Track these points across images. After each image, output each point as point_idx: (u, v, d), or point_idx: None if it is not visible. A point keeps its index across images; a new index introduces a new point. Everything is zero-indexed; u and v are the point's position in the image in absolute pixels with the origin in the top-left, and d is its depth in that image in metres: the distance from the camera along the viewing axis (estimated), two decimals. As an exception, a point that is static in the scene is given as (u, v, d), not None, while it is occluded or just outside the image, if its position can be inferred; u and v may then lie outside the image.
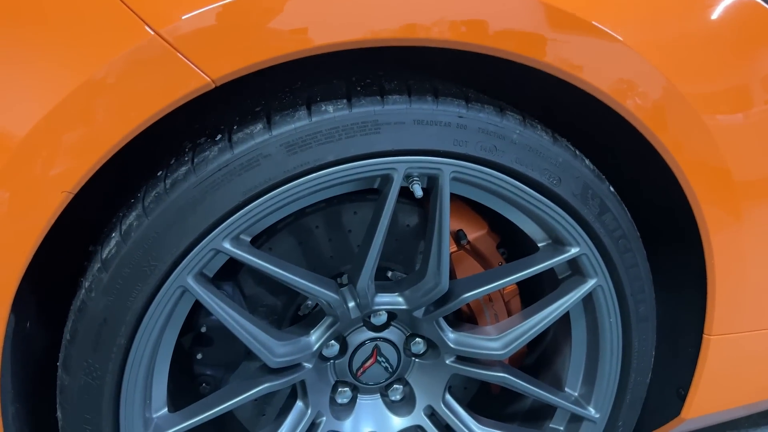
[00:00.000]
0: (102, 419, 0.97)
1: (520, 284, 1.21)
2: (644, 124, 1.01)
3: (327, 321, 1.08)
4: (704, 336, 1.18)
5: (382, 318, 1.12)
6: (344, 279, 1.12)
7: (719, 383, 1.24)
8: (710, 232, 1.09)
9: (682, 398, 1.24)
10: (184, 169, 0.92)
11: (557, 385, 1.22)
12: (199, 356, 1.17)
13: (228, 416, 1.23)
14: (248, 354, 1.16)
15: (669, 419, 1.27)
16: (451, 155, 0.97)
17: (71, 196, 0.85)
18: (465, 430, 1.17)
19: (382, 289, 1.09)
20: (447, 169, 0.98)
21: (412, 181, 0.98)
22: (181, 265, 0.93)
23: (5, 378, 0.94)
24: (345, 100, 0.94)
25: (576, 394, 1.21)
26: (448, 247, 1.03)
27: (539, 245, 1.12)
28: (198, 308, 1.11)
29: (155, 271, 0.92)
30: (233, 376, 1.20)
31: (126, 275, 0.92)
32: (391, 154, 0.95)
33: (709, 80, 1.03)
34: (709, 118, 1.02)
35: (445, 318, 1.12)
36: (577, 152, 1.07)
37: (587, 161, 1.08)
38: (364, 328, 1.14)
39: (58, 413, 0.98)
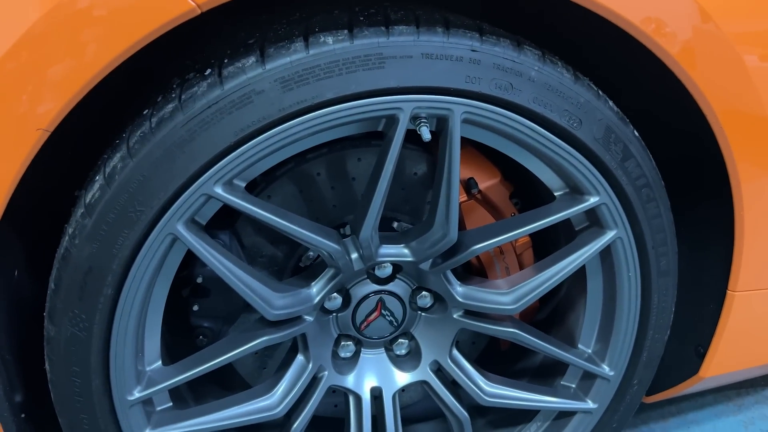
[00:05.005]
0: (91, 371, 0.93)
1: (534, 236, 1.15)
2: (678, 63, 0.94)
3: (329, 273, 1.03)
4: (728, 292, 1.14)
5: (387, 270, 1.07)
6: (347, 230, 1.06)
7: (741, 341, 1.21)
8: (741, 182, 1.04)
9: (701, 356, 1.20)
10: (170, 106, 0.85)
11: (570, 342, 1.18)
12: (195, 308, 1.13)
13: (228, 369, 1.20)
14: (247, 306, 1.12)
15: (686, 378, 1.24)
16: (462, 94, 0.90)
17: (48, 134, 0.79)
18: (472, 386, 1.14)
19: (387, 240, 1.03)
20: (458, 109, 0.91)
21: (420, 122, 0.91)
22: (170, 211, 0.87)
23: (-12, 328, 0.90)
24: (346, 31, 0.86)
25: (589, 351, 1.17)
26: (458, 195, 0.97)
27: (555, 194, 1.05)
28: (193, 258, 1.06)
29: (142, 217, 0.86)
30: (232, 328, 1.16)
31: (111, 221, 0.86)
32: (396, 91, 0.88)
33: (755, 17, 0.93)
34: (751, 59, 0.94)
35: (453, 271, 1.07)
36: (600, 92, 0.98)
37: (611, 102, 0.99)
38: (368, 280, 1.09)
39: (46, 365, 0.94)
